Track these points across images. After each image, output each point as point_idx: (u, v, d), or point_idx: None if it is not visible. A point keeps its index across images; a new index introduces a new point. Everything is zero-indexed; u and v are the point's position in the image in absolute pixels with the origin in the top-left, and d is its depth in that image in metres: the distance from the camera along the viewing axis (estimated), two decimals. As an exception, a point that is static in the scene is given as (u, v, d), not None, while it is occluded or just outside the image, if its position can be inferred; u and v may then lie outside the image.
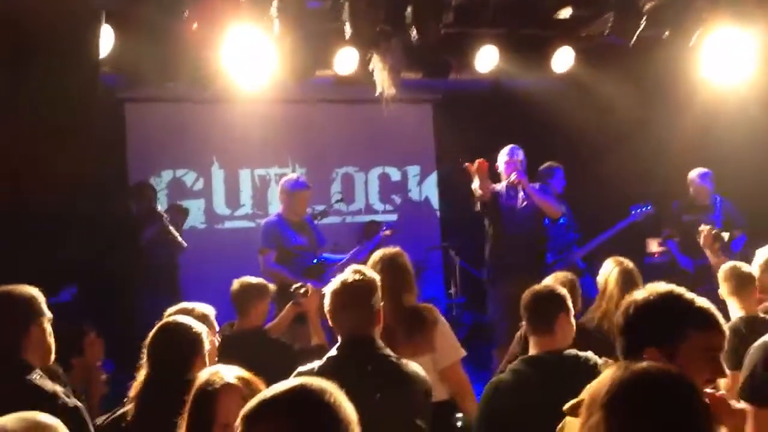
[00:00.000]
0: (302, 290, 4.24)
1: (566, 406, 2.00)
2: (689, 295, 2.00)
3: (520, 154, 5.83)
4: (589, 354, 2.93)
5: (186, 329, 2.62)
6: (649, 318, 1.95)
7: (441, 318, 3.53)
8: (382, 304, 2.82)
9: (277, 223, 5.72)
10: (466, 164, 5.56)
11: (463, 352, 3.52)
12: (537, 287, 3.18)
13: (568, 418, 2.06)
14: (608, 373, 1.56)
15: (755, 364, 2.83)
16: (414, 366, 2.72)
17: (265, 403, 1.44)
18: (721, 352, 1.95)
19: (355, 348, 2.66)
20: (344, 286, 2.75)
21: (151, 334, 2.64)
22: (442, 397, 3.41)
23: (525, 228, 5.66)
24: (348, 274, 2.79)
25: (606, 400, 1.50)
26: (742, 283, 3.70)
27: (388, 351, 2.71)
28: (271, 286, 4.23)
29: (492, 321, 5.53)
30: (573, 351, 2.92)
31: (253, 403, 1.46)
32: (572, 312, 3.11)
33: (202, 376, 2.13)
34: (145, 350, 2.62)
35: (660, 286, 2.04)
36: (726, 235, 4.84)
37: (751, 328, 3.44)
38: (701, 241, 4.78)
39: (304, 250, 5.72)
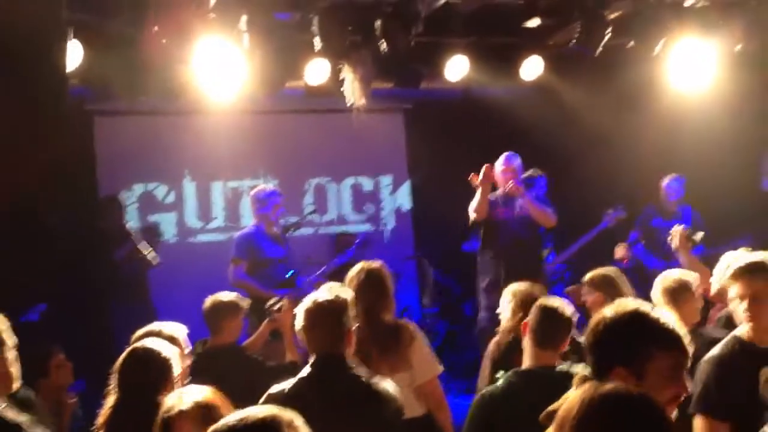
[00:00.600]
0: (277, 306, 4.23)
1: (542, 415, 2.03)
2: (655, 313, 2.03)
3: (517, 162, 5.82)
4: (581, 368, 2.98)
5: (155, 354, 2.60)
6: (617, 338, 2.00)
7: (419, 334, 3.54)
8: (357, 323, 2.84)
9: (254, 234, 5.73)
10: (471, 175, 5.51)
11: (440, 369, 3.54)
12: (550, 304, 3.16)
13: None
14: (577, 393, 1.61)
15: (707, 379, 2.88)
16: (385, 384, 2.73)
17: None
18: (684, 369, 2.00)
19: (326, 367, 2.67)
20: (316, 305, 2.76)
21: (119, 359, 2.62)
22: (419, 412, 3.43)
23: (521, 236, 5.68)
24: (321, 293, 2.80)
25: (576, 422, 1.54)
26: (674, 294, 3.65)
27: (359, 370, 2.73)
28: (244, 303, 4.21)
29: (484, 329, 5.52)
30: (565, 366, 2.96)
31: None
32: None
33: (167, 401, 2.12)
34: (114, 376, 2.60)
35: (627, 304, 2.07)
36: (699, 235, 4.83)
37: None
38: (674, 241, 4.75)
39: (279, 261, 5.73)
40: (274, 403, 2.02)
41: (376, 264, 3.65)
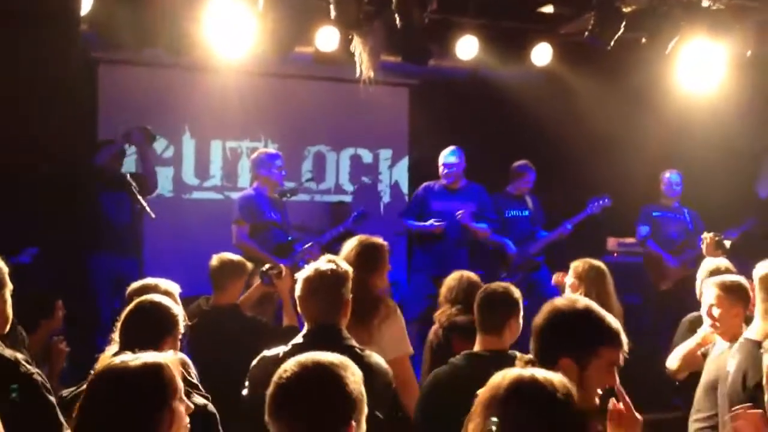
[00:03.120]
0: (276, 271, 4.20)
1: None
2: (602, 312, 2.23)
3: (463, 158, 6.25)
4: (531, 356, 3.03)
5: (163, 309, 2.63)
6: (569, 330, 2.18)
7: (396, 312, 3.58)
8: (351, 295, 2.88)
9: (255, 197, 5.77)
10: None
11: (411, 350, 3.58)
12: (492, 287, 3.25)
13: None
14: (492, 380, 1.79)
15: None
16: (376, 357, 2.78)
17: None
18: (618, 365, 2.18)
19: (320, 336, 2.70)
20: (316, 274, 2.79)
21: (126, 311, 2.63)
22: None
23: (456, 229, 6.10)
24: (321, 263, 2.84)
25: (486, 404, 1.74)
26: None
27: (353, 341, 2.78)
28: (249, 264, 4.21)
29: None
30: (515, 352, 2.99)
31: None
32: (521, 313, 3.19)
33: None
34: (119, 326, 2.61)
35: (580, 301, 2.29)
36: (728, 243, 4.85)
37: None
38: (704, 249, 4.73)
39: (276, 226, 5.77)
40: (269, 367, 2.07)
41: (373, 238, 3.68)
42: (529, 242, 6.62)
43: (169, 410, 1.75)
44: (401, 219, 6.67)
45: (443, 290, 4.12)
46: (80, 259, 6.32)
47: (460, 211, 6.16)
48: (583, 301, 2.28)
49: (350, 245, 3.62)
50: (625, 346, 2.19)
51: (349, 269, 2.89)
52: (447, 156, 6.33)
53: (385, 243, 3.71)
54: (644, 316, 6.53)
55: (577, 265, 4.31)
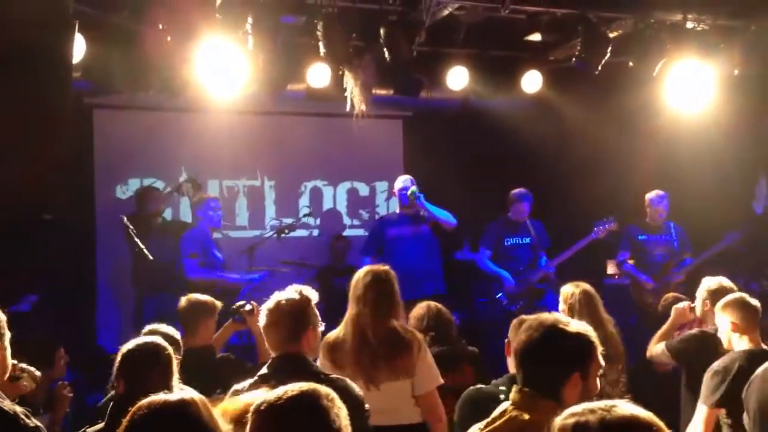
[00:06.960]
0: (248, 308, 4.11)
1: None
2: (582, 324, 2.26)
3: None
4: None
5: (161, 349, 2.65)
6: (575, 347, 2.14)
7: (424, 345, 3.54)
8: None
9: (206, 235, 6.12)
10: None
11: (441, 381, 3.53)
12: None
13: None
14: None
15: None
16: (344, 382, 2.77)
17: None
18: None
19: (284, 364, 2.71)
20: (276, 304, 2.83)
21: (125, 350, 2.63)
22: (417, 420, 3.47)
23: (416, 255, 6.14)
24: (285, 292, 2.86)
25: None
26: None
27: (318, 368, 2.80)
28: (218, 303, 4.11)
29: None
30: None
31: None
32: None
33: None
34: (118, 365, 2.61)
35: (549, 317, 2.22)
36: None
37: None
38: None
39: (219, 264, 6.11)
40: None
41: (383, 268, 3.59)
42: (531, 270, 6.60)
43: None
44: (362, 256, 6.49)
45: (412, 321, 4.04)
46: (80, 306, 6.31)
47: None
48: (550, 317, 2.24)
49: (357, 278, 3.52)
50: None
51: (311, 296, 2.89)
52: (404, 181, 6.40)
53: (390, 269, 3.60)
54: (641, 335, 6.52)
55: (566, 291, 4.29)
